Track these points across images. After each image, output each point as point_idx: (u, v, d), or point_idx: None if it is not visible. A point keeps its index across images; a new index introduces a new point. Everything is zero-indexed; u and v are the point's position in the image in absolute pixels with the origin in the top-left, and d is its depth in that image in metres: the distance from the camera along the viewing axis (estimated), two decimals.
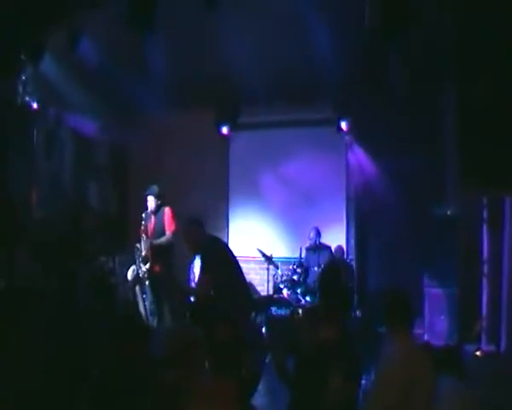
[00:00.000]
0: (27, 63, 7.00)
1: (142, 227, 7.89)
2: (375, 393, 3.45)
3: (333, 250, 8.86)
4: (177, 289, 5.81)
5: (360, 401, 3.90)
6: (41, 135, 8.44)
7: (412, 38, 5.30)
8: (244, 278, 6.13)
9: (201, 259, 5.88)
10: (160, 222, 7.84)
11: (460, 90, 5.43)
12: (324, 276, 4.23)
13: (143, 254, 7.85)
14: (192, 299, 6.04)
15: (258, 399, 5.72)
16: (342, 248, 9.00)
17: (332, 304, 3.46)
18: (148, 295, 7.92)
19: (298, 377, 3.45)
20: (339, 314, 3.45)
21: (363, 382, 5.17)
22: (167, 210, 7.85)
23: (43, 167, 8.56)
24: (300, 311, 7.88)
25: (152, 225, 7.91)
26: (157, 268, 7.80)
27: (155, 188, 7.93)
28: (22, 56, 6.75)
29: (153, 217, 7.93)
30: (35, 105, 7.90)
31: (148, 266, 7.81)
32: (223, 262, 5.68)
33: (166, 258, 7.82)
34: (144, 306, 8.01)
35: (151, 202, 7.91)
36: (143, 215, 7.95)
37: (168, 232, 7.77)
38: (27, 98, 7.71)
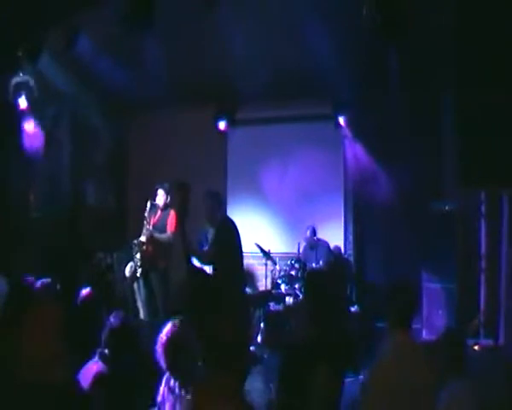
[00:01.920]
0: (25, 62, 6.98)
1: (146, 214, 7.90)
2: (373, 390, 3.46)
3: (333, 245, 8.91)
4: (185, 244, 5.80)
5: (357, 395, 3.90)
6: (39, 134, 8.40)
7: (411, 36, 5.30)
8: (243, 268, 6.20)
9: (213, 234, 6.02)
10: (164, 220, 7.85)
11: (459, 87, 5.43)
12: (313, 280, 4.15)
13: (141, 239, 7.86)
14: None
15: (258, 398, 5.76)
16: (340, 248, 9.07)
17: (318, 309, 3.46)
18: (141, 290, 7.91)
19: (285, 373, 3.46)
20: (325, 317, 3.45)
21: (361, 377, 5.19)
22: (172, 212, 7.86)
23: (41, 166, 8.53)
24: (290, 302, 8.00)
25: (155, 220, 7.92)
26: (150, 255, 7.80)
27: (166, 185, 7.95)
28: (20, 55, 6.73)
29: (159, 212, 7.94)
30: (32, 103, 7.86)
31: (143, 247, 7.80)
32: (229, 245, 5.80)
33: (162, 252, 7.84)
34: (142, 303, 8.02)
35: (160, 196, 7.93)
36: (148, 204, 7.93)
37: (169, 232, 7.79)
38: (24, 97, 7.67)
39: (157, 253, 7.81)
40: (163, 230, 7.82)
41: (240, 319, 5.36)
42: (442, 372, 3.46)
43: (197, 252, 6.27)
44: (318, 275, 4.77)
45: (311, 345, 3.35)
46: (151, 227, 7.84)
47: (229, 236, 5.91)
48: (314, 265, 8.40)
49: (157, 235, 7.80)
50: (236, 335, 3.05)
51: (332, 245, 8.85)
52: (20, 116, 7.82)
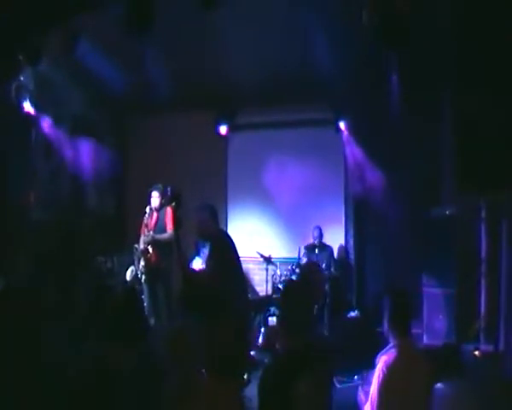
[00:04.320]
0: (25, 65, 7.00)
1: (145, 220, 7.94)
2: (373, 398, 3.44)
3: (336, 249, 9.05)
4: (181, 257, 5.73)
5: (356, 401, 3.89)
6: (39, 136, 8.41)
7: (411, 39, 5.30)
8: (244, 279, 6.17)
9: (208, 250, 5.92)
10: (162, 220, 7.91)
11: (458, 93, 5.44)
12: (286, 293, 4.02)
13: (141, 247, 7.88)
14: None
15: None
16: (343, 249, 9.16)
17: (291, 321, 3.39)
18: (145, 295, 7.93)
19: (266, 388, 3.35)
20: (299, 329, 3.36)
21: (359, 382, 5.17)
22: (169, 209, 7.91)
23: (42, 169, 8.53)
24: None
25: (153, 222, 7.97)
26: (155, 259, 7.84)
27: (160, 186, 8.00)
28: (20, 58, 6.75)
29: (155, 214, 7.98)
30: (33, 107, 7.88)
31: (148, 255, 7.82)
32: (226, 258, 5.72)
33: (166, 252, 7.86)
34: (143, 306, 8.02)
35: (155, 198, 7.99)
36: (147, 210, 8.00)
37: (169, 230, 7.83)
38: (25, 100, 7.69)
39: (161, 255, 7.85)
40: (163, 230, 7.86)
41: (240, 325, 5.35)
42: (440, 376, 3.45)
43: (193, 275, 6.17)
44: (292, 286, 4.59)
45: (291, 358, 3.26)
46: (151, 232, 7.87)
47: (225, 247, 5.77)
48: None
49: (158, 236, 7.84)
50: (236, 340, 3.04)
51: (337, 247, 8.99)
52: (19, 119, 7.83)
